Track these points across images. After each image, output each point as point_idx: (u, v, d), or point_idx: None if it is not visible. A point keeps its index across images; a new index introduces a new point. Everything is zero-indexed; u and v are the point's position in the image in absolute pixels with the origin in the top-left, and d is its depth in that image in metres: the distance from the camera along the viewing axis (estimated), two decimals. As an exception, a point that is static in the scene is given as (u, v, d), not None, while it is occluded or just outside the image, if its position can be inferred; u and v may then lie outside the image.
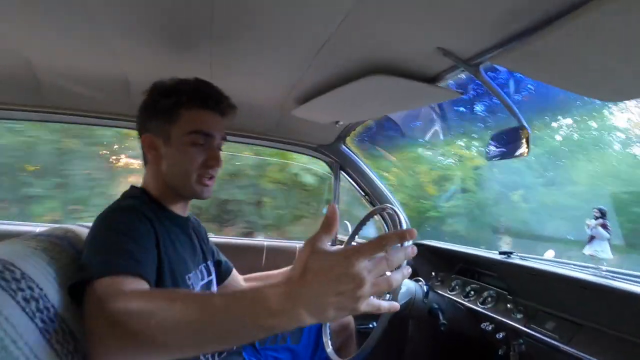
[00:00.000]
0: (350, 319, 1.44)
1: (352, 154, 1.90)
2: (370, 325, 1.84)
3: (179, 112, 0.92)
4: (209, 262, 1.10)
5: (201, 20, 0.86)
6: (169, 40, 0.98)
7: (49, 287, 0.66)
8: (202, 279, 1.02)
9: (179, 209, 1.00)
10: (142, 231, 0.80)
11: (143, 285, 0.69)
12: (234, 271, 1.29)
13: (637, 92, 0.87)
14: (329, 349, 1.24)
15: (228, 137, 1.04)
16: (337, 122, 1.51)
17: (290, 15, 0.82)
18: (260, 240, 2.00)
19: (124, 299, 0.60)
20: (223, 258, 1.25)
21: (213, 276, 1.09)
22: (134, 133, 0.99)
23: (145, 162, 0.98)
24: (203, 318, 0.55)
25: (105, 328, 0.58)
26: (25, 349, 0.55)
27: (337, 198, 1.96)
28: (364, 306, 0.52)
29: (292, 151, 1.96)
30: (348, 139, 1.86)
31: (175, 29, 0.93)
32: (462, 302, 1.43)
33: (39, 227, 1.60)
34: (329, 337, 1.28)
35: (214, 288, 1.08)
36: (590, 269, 1.24)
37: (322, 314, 0.51)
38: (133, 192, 0.96)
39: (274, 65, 1.11)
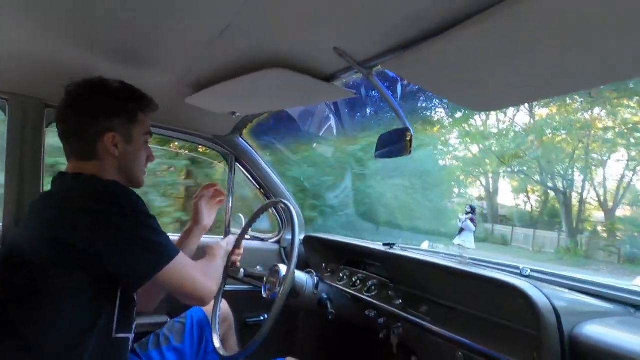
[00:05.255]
0: (228, 312, 1.43)
1: (249, 147, 1.87)
2: (261, 318, 1.85)
3: (138, 115, 1.06)
4: None
5: None
6: (41, 14, 0.87)
7: None
8: None
9: None
10: None
11: None
12: None
13: (505, 103, 1.01)
14: (218, 344, 1.21)
15: None
16: (233, 113, 1.47)
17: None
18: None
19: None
20: None
21: None
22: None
23: (88, 157, 1.01)
24: None
25: None
26: None
27: (231, 190, 1.92)
28: None
29: (185, 140, 1.87)
30: (245, 131, 1.83)
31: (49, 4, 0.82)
32: (349, 291, 1.51)
33: None
34: (217, 332, 1.26)
35: None
36: (457, 257, 1.40)
37: None
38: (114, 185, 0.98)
39: (166, 50, 1.05)
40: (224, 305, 1.41)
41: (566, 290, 1.06)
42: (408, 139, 1.00)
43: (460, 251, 1.37)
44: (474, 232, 1.30)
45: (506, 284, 0.98)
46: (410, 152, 1.00)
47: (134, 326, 1.02)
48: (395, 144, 1.03)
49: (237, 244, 1.39)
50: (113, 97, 1.03)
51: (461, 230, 1.31)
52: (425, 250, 1.63)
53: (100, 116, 1.00)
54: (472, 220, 1.29)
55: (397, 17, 0.75)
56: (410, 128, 1.00)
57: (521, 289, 0.93)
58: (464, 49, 0.73)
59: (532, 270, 1.22)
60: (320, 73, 1.06)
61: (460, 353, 1.07)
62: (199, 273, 1.01)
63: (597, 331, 0.85)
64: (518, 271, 1.23)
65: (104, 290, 0.91)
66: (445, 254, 1.52)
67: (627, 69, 0.72)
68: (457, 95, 1.02)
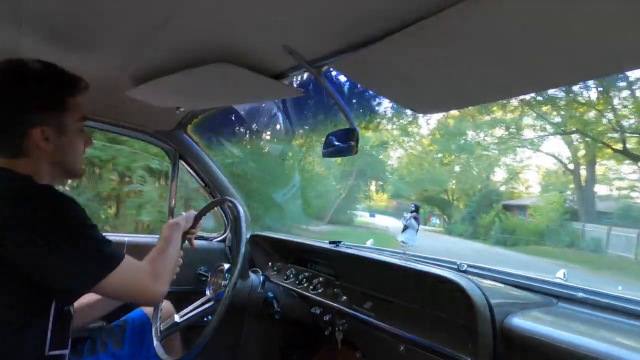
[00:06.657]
0: (172, 313, 1.38)
1: (193, 143, 1.81)
2: (205, 319, 1.80)
3: (67, 101, 0.93)
4: None
5: None
6: None
7: None
8: None
9: None
10: None
11: None
12: None
13: (445, 106, 1.06)
14: (159, 349, 1.17)
15: None
16: (178, 108, 1.42)
17: None
18: (120, 235, 1.73)
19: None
20: None
21: None
22: None
23: (15, 155, 0.89)
24: None
25: None
26: None
27: (174, 188, 1.86)
28: None
29: (124, 135, 1.77)
30: (189, 127, 1.77)
31: None
32: (296, 289, 1.52)
33: None
34: (158, 338, 1.21)
35: None
36: (400, 254, 1.45)
37: None
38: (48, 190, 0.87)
39: (105, 36, 0.98)
40: (167, 306, 1.36)
41: (499, 284, 1.14)
42: (355, 138, 1.02)
43: (404, 248, 1.42)
44: (417, 229, 1.38)
45: (445, 279, 1.03)
46: (357, 151, 1.02)
47: (69, 342, 0.95)
48: (342, 143, 1.05)
49: (194, 222, 1.28)
50: (37, 85, 0.89)
51: (405, 227, 1.37)
52: (369, 248, 1.67)
53: (27, 109, 0.88)
54: (415, 218, 1.37)
55: (347, 18, 0.76)
56: (357, 127, 1.02)
57: (458, 283, 0.98)
58: (409, 52, 0.76)
59: (468, 266, 1.29)
60: (268, 70, 1.05)
61: (402, 347, 1.11)
62: (147, 276, 0.94)
63: (525, 321, 0.92)
64: (456, 266, 1.30)
65: (34, 303, 0.84)
66: (389, 251, 1.57)
67: (565, 75, 0.78)
68: (402, 97, 1.05)
